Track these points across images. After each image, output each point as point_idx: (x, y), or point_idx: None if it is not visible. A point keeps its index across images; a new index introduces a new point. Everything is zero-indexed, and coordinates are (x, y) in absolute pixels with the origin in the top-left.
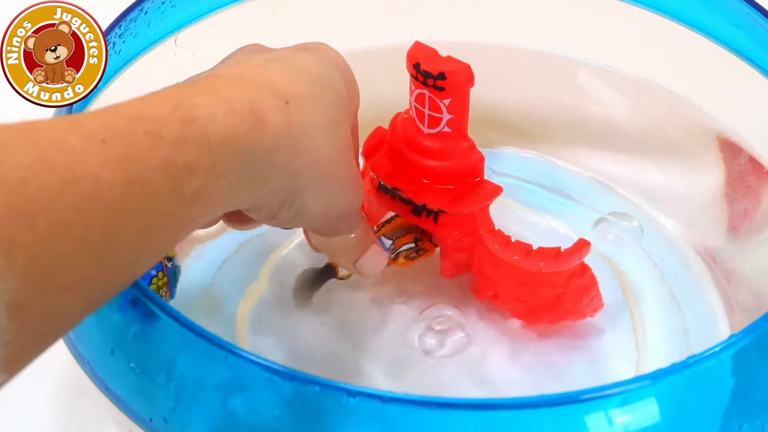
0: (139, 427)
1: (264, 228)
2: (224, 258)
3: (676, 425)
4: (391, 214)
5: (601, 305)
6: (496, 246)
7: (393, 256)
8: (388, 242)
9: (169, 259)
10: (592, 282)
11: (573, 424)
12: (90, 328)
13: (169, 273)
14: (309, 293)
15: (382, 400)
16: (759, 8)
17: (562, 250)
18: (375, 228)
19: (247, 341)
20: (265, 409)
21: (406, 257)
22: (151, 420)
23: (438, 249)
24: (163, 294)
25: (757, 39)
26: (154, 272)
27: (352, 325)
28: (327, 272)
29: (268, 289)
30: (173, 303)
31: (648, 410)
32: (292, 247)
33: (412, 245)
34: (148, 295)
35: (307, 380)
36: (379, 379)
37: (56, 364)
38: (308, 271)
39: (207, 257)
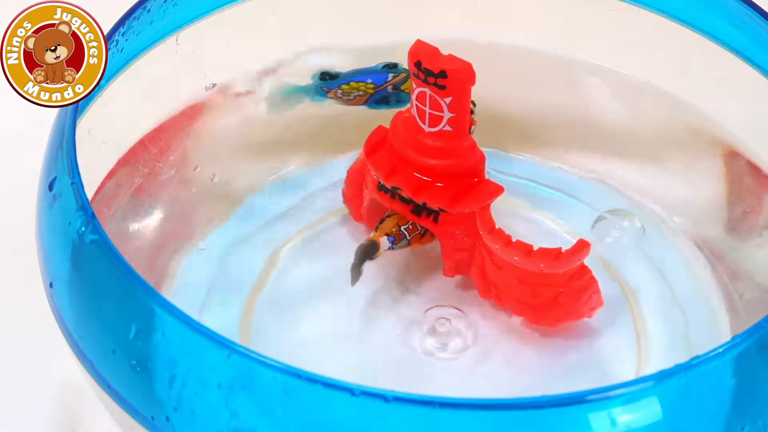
0: (141, 426)
1: (266, 225)
2: (225, 256)
3: (678, 425)
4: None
5: (600, 304)
6: (497, 246)
7: (422, 231)
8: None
9: (396, 87)
10: (592, 282)
11: (577, 424)
12: (91, 326)
13: (382, 92)
14: (357, 269)
15: (385, 400)
16: (758, 9)
17: (563, 250)
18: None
19: (248, 339)
20: (268, 408)
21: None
22: (153, 419)
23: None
24: (355, 96)
25: (757, 40)
26: (369, 79)
27: (354, 325)
28: (370, 249)
29: (269, 286)
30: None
31: (651, 410)
32: (296, 245)
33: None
34: (151, 295)
35: (311, 379)
36: (380, 378)
37: (57, 363)
38: (361, 246)
39: (208, 254)
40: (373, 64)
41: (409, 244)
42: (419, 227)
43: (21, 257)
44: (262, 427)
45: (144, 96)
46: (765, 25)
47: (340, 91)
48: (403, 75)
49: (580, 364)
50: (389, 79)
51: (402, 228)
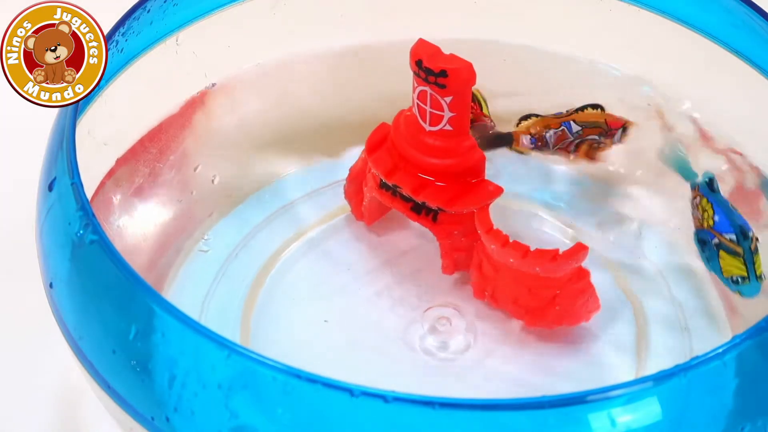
0: (141, 426)
1: (266, 225)
2: (225, 256)
3: (678, 426)
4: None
5: (597, 307)
6: (493, 246)
7: (577, 142)
8: (576, 127)
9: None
10: (588, 286)
11: (576, 424)
12: (91, 327)
13: (746, 250)
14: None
15: (384, 400)
16: (758, 9)
17: (560, 252)
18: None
19: (248, 339)
20: (268, 408)
21: (590, 146)
22: (153, 419)
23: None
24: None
25: (757, 39)
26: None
27: (354, 325)
28: (505, 139)
29: (269, 286)
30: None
31: (651, 411)
32: (297, 245)
33: (597, 138)
34: (151, 295)
35: (310, 379)
36: (380, 379)
37: (57, 363)
38: (489, 135)
39: (208, 255)
40: None
41: (552, 150)
42: (570, 135)
43: (21, 257)
44: (262, 427)
45: (144, 96)
46: (765, 25)
47: (697, 199)
48: None
49: (580, 365)
50: None
51: (547, 133)
